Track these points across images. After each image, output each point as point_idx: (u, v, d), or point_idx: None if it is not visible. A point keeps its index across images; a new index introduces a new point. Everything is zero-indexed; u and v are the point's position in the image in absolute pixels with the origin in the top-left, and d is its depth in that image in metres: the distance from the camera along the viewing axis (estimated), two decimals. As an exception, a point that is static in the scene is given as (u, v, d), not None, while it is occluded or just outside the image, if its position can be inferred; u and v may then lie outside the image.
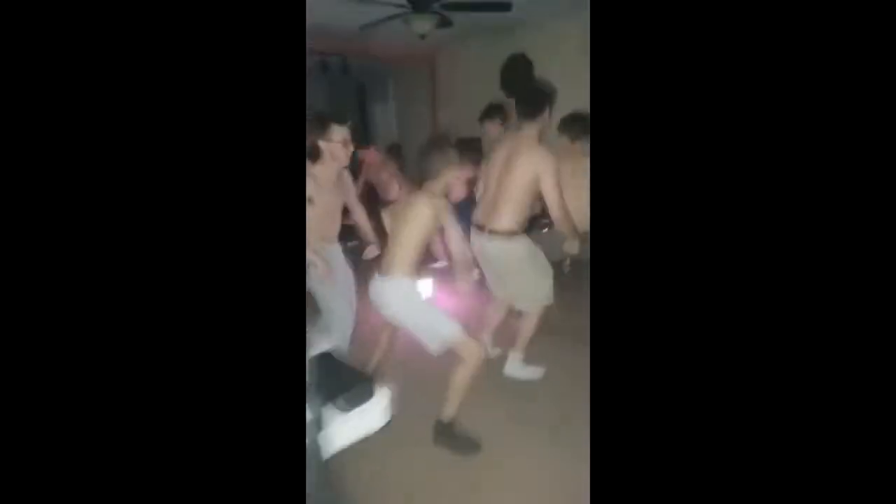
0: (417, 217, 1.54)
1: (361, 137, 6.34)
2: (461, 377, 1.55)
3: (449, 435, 1.60)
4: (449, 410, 1.59)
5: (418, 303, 1.62)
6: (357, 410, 0.96)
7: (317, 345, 1.69)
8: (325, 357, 1.18)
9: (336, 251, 1.90)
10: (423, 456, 1.55)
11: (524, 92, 1.93)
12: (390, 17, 2.86)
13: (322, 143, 1.66)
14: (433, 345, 1.57)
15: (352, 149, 1.76)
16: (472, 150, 2.69)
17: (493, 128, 2.56)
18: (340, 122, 1.67)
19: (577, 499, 1.18)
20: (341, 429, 0.93)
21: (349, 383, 1.01)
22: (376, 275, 1.63)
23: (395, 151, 3.70)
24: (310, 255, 1.61)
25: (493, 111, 2.57)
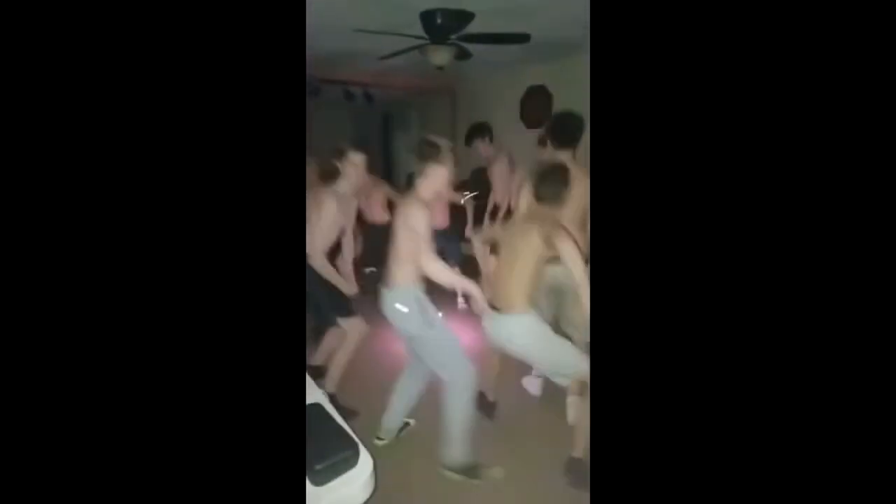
0: (531, 245, 1.44)
1: (384, 165, 6.45)
2: (585, 413, 1.49)
3: (582, 472, 1.52)
4: (580, 446, 1.54)
5: (548, 336, 1.52)
6: (335, 482, 0.85)
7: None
8: (313, 409, 1.08)
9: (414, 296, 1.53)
10: None
11: (558, 123, 1.99)
12: (409, 49, 2.87)
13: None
14: (560, 379, 1.53)
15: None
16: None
17: (483, 148, 2.78)
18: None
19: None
20: (318, 501, 0.82)
21: (331, 447, 0.91)
22: (490, 311, 1.53)
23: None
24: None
25: (480, 130, 2.78)
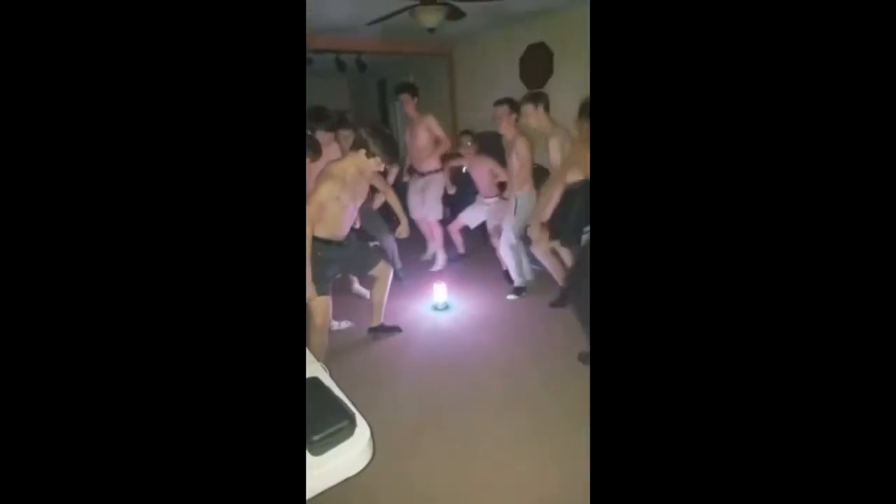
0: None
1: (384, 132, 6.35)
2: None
3: None
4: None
5: None
6: (332, 452, 0.89)
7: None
8: (311, 383, 1.12)
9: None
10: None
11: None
12: (397, 12, 2.76)
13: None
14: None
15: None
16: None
17: (407, 103, 3.23)
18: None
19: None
20: (314, 473, 0.86)
21: (328, 418, 0.94)
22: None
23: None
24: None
25: (408, 87, 3.23)
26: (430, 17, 2.62)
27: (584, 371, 1.95)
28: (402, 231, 2.40)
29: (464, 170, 3.33)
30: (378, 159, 1.85)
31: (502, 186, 3.01)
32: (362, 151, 1.83)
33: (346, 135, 2.88)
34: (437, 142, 3.21)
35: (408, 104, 3.21)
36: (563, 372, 2.00)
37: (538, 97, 2.57)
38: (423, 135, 3.19)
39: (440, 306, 2.77)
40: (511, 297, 2.90)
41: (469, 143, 3.02)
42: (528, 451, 1.57)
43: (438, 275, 3.19)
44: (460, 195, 3.41)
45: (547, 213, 2.15)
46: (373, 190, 2.42)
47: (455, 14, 2.81)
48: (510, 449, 1.59)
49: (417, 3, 2.61)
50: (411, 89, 3.22)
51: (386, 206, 3.15)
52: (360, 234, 2.40)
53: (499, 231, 2.97)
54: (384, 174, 2.89)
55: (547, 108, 2.56)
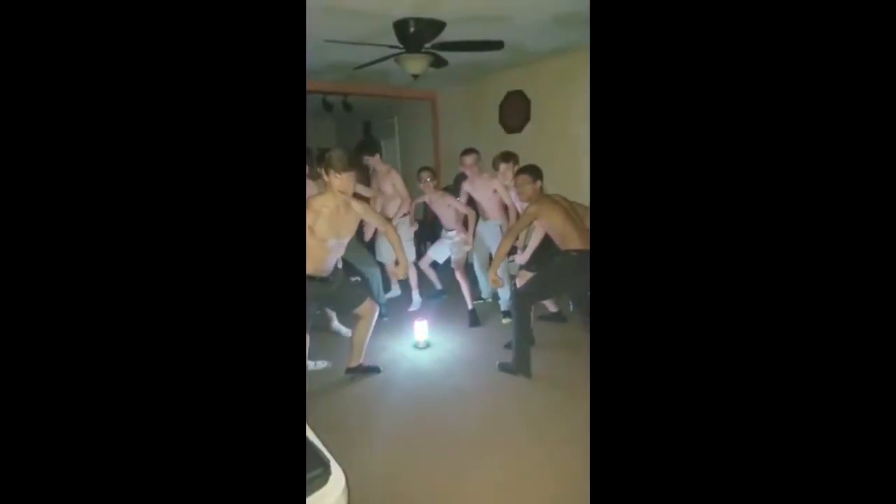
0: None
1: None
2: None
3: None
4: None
5: None
6: (308, 501, 0.84)
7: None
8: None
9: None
10: None
11: None
12: (384, 59, 2.88)
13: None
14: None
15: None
16: None
17: (373, 161, 3.20)
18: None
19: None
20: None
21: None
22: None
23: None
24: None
25: (368, 147, 3.26)
26: (415, 65, 2.73)
27: (571, 412, 1.93)
28: (400, 272, 2.28)
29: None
30: (351, 174, 1.88)
31: (465, 221, 3.07)
32: (332, 171, 1.86)
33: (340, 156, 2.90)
34: (401, 199, 3.24)
35: (368, 160, 3.21)
36: (550, 414, 1.97)
37: (510, 156, 2.84)
38: (389, 187, 3.20)
39: (421, 345, 2.72)
40: (506, 321, 2.93)
41: (428, 180, 3.05)
42: (513, 498, 1.52)
43: (420, 312, 3.16)
44: (428, 231, 3.45)
45: (497, 265, 2.39)
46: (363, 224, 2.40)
47: (438, 62, 2.95)
48: (495, 497, 1.52)
49: (403, 50, 2.74)
50: (369, 148, 3.25)
51: (373, 238, 3.20)
52: (345, 270, 2.36)
53: (461, 265, 3.05)
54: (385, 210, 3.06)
55: (517, 165, 2.79)
